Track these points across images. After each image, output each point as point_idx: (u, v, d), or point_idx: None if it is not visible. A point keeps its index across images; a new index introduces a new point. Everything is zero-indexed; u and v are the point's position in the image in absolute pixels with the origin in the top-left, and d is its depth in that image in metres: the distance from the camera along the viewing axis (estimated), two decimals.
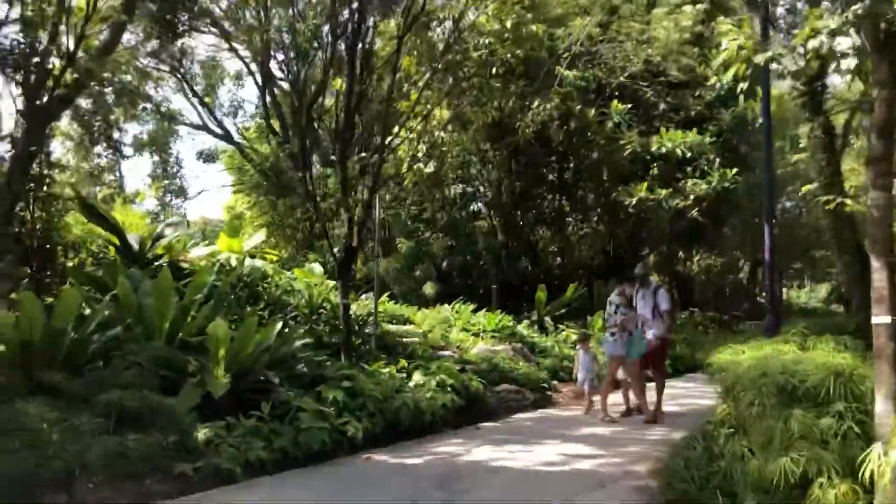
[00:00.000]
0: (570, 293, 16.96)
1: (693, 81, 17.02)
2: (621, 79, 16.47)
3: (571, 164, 19.18)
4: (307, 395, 7.64)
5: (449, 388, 9.01)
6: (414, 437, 8.09)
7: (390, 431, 7.95)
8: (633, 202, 16.36)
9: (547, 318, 15.79)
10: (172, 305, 8.07)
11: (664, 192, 16.12)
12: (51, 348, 7.01)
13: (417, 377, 9.26)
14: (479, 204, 20.14)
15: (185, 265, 11.21)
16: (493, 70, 14.27)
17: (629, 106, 16.75)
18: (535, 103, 15.72)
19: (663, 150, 15.94)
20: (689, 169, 16.76)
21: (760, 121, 15.60)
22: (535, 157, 18.20)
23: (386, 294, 15.06)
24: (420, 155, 14.73)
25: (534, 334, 14.46)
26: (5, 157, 10.15)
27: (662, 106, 17.41)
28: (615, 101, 16.58)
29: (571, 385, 11.67)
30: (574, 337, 13.67)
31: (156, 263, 10.92)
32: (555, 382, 12.05)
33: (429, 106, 13.42)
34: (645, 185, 16.24)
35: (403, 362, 9.89)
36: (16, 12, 9.15)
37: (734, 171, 16.36)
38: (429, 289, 18.04)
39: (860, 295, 8.82)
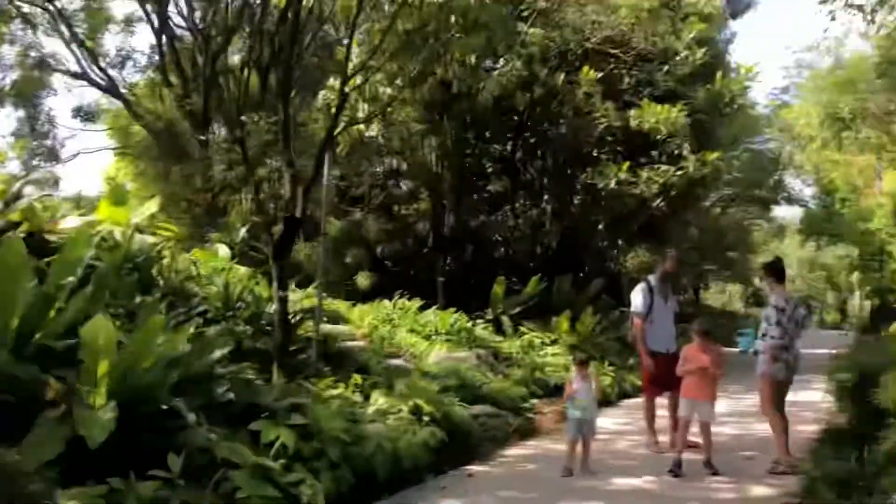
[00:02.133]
0: (532, 288, 14.63)
1: (662, 54, 15.27)
2: (589, 44, 14.53)
3: (532, 140, 16.80)
4: (237, 436, 5.25)
5: (426, 418, 6.81)
6: (392, 492, 5.83)
7: (362, 489, 5.60)
8: (610, 184, 14.28)
9: (504, 318, 13.51)
10: (27, 292, 5.22)
11: (646, 173, 14.17)
12: None
13: (379, 400, 7.00)
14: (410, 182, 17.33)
15: (52, 238, 8.14)
16: (452, 19, 11.28)
17: (599, 75, 14.55)
18: (500, 63, 13.49)
19: (646, 126, 13.85)
20: (654, 153, 15.05)
21: (738, 101, 15.45)
22: (489, 130, 15.94)
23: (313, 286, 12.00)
24: (360, 114, 12.32)
25: (494, 338, 12.33)
26: None
27: (628, 80, 15.38)
28: (585, 68, 14.35)
29: (552, 405, 9.87)
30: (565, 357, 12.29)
31: (9, 234, 7.01)
32: (534, 401, 10.01)
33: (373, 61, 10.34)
34: (626, 164, 14.25)
35: (357, 378, 7.52)
36: None
37: (714, 154, 14.64)
38: (363, 280, 15.45)
39: None
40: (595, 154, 15.51)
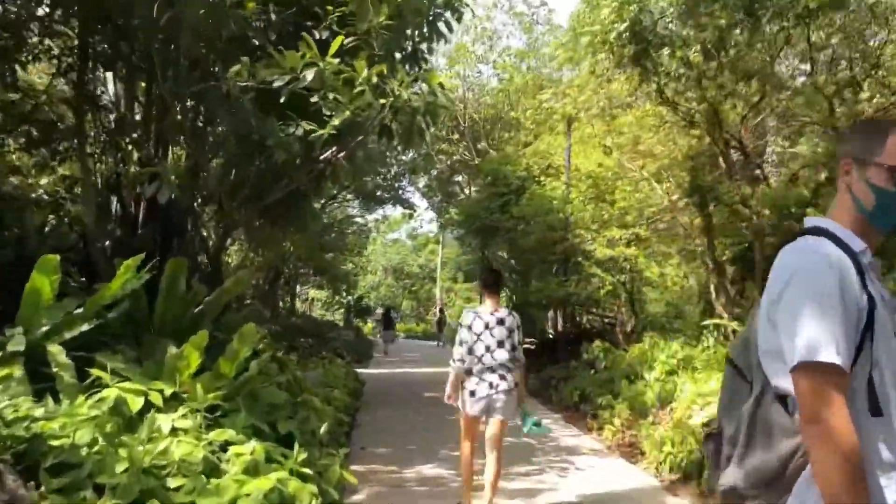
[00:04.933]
0: (120, 283, 6.77)
1: None
2: None
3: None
4: None
5: None
6: None
7: None
8: (306, 77, 7.06)
9: (54, 349, 5.98)
10: None
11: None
12: None
13: None
14: None
15: None
16: None
17: None
18: None
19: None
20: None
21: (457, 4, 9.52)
22: None
23: None
24: None
25: (32, 408, 4.86)
26: None
27: None
28: None
29: None
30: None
31: None
32: None
33: None
34: (339, 40, 7.29)
35: None
36: None
37: (439, 78, 8.51)
38: None
39: None
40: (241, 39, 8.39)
